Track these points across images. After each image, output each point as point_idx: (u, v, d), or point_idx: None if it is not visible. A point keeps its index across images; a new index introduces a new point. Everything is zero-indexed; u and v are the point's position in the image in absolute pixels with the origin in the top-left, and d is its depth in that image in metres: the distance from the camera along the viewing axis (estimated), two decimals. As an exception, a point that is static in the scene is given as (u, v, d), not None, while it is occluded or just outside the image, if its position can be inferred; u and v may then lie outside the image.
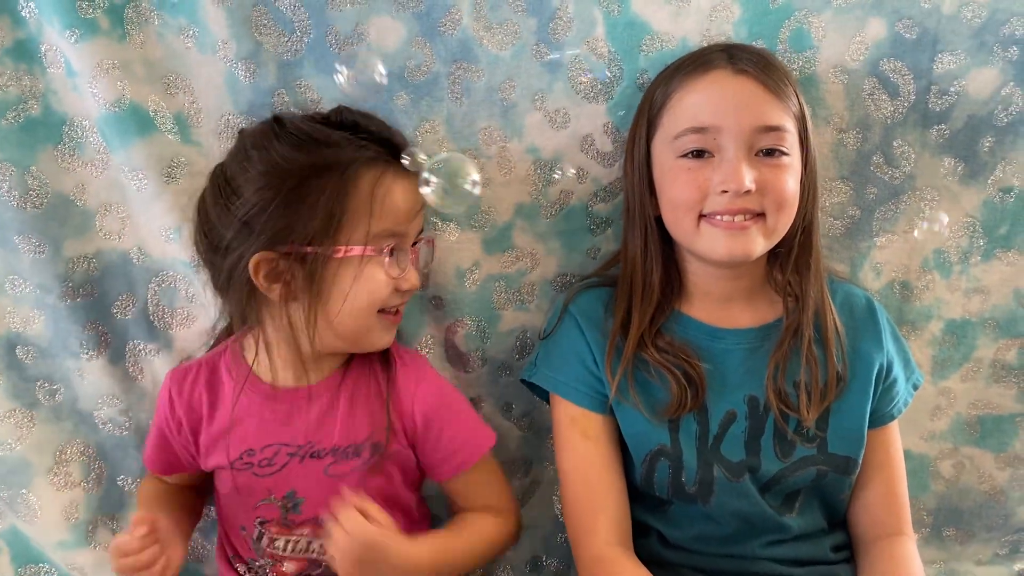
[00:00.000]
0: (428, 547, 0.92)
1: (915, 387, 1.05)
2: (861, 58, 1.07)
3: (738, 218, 0.89)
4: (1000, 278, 1.17)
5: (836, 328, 0.98)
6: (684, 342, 0.98)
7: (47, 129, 1.03)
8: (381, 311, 0.94)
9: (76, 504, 1.11)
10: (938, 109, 1.10)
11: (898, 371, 1.01)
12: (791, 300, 0.98)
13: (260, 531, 1.00)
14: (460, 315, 1.13)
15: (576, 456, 0.99)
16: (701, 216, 0.91)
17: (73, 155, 1.05)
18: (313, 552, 1.01)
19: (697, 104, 0.91)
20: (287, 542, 1.00)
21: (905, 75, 1.08)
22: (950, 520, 1.28)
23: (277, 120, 0.92)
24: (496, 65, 1.05)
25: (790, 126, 0.91)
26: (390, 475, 1.00)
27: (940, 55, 1.08)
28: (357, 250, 0.89)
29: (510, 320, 1.14)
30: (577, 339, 1.00)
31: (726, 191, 0.88)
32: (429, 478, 1.06)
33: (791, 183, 0.90)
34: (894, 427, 1.02)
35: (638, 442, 0.98)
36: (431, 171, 0.90)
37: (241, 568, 1.04)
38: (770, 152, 0.90)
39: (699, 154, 0.91)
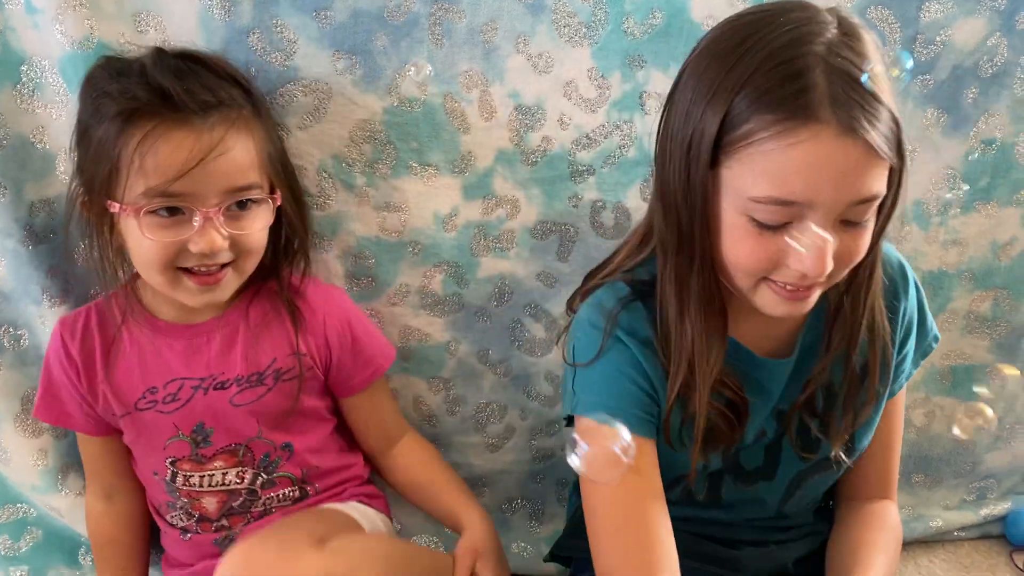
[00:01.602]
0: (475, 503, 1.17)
1: (924, 355, 1.03)
2: (848, 6, 1.13)
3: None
4: (978, 230, 1.26)
5: (885, 351, 0.94)
6: (729, 368, 0.91)
7: (5, 68, 1.06)
8: (185, 270, 0.97)
9: (45, 451, 1.18)
10: (923, 59, 1.16)
11: (910, 346, 1.00)
12: (842, 324, 0.92)
13: (173, 471, 1.08)
14: (438, 260, 1.20)
15: (620, 505, 0.89)
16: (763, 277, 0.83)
17: (32, 96, 1.07)
18: (229, 484, 1.09)
19: (790, 172, 0.75)
20: (201, 477, 1.09)
21: (892, 24, 1.14)
22: (919, 467, 1.40)
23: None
24: (478, 6, 1.09)
25: (884, 184, 0.79)
26: (295, 396, 1.09)
27: (927, 4, 1.14)
28: (115, 206, 0.95)
29: (488, 267, 1.21)
30: (628, 360, 0.91)
31: (801, 271, 0.79)
32: (339, 396, 1.17)
33: (866, 244, 0.82)
34: (900, 398, 1.03)
35: (663, 468, 0.93)
36: (580, 437, 0.84)
37: (169, 517, 1.12)
38: (855, 221, 0.80)
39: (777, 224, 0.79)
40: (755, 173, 0.76)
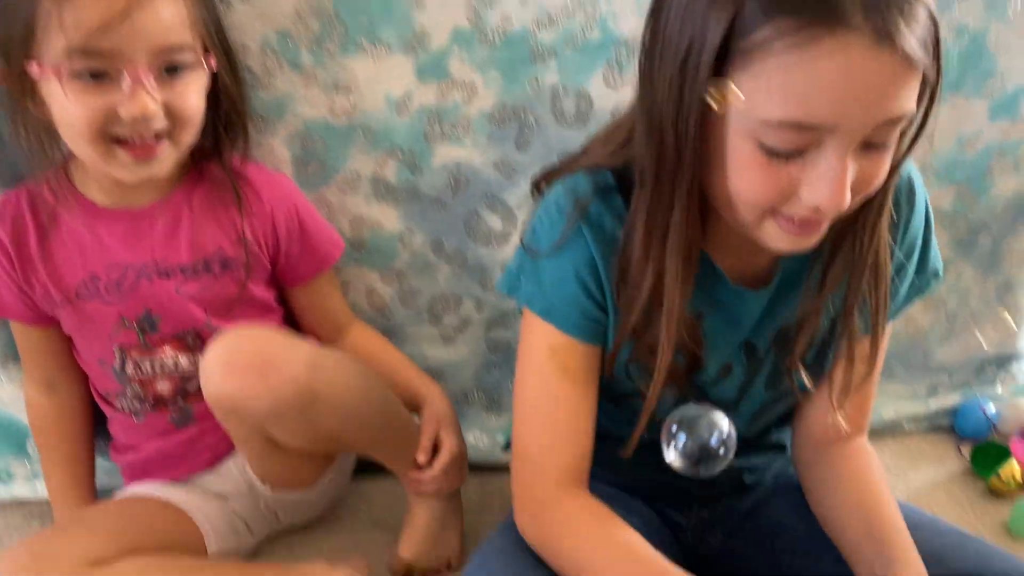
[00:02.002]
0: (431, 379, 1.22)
1: (920, 291, 0.92)
2: None
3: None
4: (945, 124, 1.24)
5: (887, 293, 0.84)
6: (691, 307, 0.83)
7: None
8: (119, 142, 0.93)
9: (-18, 341, 1.16)
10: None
11: (904, 279, 0.90)
12: (843, 262, 0.82)
13: (121, 358, 1.07)
14: (390, 146, 1.16)
15: (546, 394, 0.87)
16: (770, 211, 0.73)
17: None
18: (182, 369, 1.09)
19: (813, 90, 0.64)
20: (152, 363, 1.08)
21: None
22: (872, 360, 1.42)
23: None
24: None
25: (915, 99, 0.68)
26: (241, 283, 1.08)
27: None
28: (35, 69, 0.90)
29: (443, 155, 1.18)
30: (584, 260, 0.83)
31: (815, 205, 0.69)
32: (286, 286, 1.16)
33: (887, 169, 0.72)
34: (886, 332, 0.90)
35: (615, 382, 0.90)
36: (679, 425, 0.80)
37: (118, 403, 1.12)
38: (879, 144, 0.69)
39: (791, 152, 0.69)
40: (770, 91, 0.65)
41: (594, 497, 0.86)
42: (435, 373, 1.35)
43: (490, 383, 1.39)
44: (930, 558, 0.82)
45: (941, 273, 0.92)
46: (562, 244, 0.83)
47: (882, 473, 0.93)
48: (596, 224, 0.82)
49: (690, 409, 0.80)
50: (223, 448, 1.14)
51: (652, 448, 0.85)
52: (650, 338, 0.82)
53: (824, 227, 0.73)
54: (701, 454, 0.79)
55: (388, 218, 1.22)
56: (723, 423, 0.78)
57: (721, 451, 0.78)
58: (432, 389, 1.20)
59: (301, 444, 1.04)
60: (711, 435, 0.78)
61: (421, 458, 1.11)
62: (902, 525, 0.86)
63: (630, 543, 0.82)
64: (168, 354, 1.07)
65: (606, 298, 0.84)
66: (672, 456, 0.79)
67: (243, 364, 0.93)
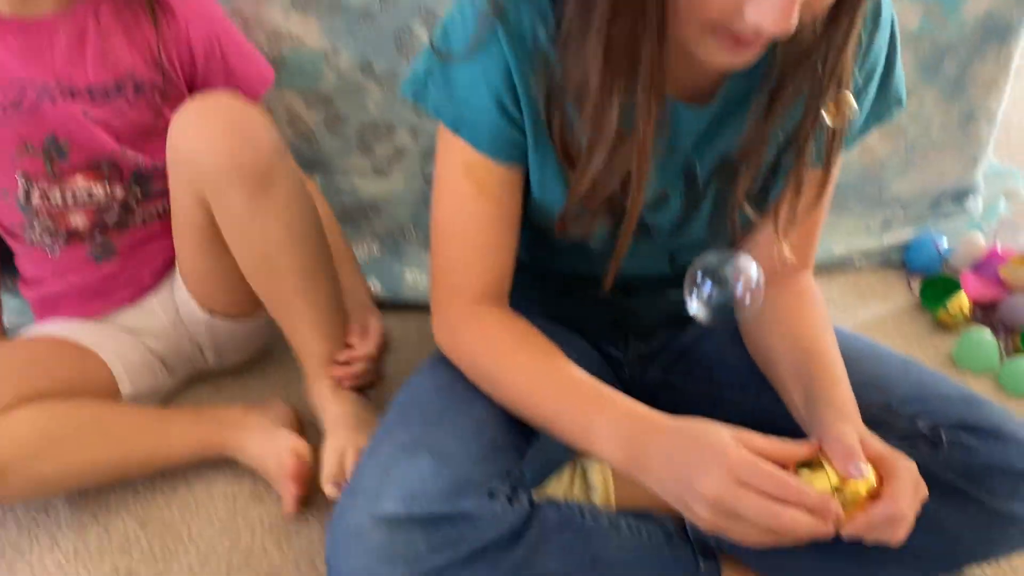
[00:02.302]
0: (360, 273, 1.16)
1: (879, 119, 0.86)
2: None
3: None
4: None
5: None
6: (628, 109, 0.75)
7: None
8: None
9: None
10: None
11: (864, 105, 0.83)
12: (797, 87, 0.76)
13: (26, 187, 1.01)
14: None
15: (461, 212, 0.82)
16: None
17: None
18: (97, 198, 1.03)
19: None
20: (62, 193, 1.02)
21: None
22: (825, 194, 1.39)
23: None
24: None
25: None
26: (156, 110, 1.02)
27: None
28: None
29: (368, -42, 1.10)
30: (499, 72, 0.75)
31: (757, 26, 0.64)
32: None
33: None
34: (838, 160, 0.84)
35: (544, 206, 0.84)
36: (704, 272, 0.74)
37: (27, 237, 1.05)
38: None
39: None
40: None
41: (514, 313, 0.84)
42: (368, 208, 1.30)
43: (428, 219, 1.33)
44: (871, 385, 0.82)
45: (904, 100, 0.85)
46: (474, 48, 0.74)
47: (823, 309, 0.89)
48: (516, 31, 0.73)
49: (715, 255, 0.75)
50: (147, 283, 1.10)
51: (589, 283, 0.83)
52: (607, 180, 0.75)
53: (762, 46, 0.67)
54: (727, 303, 0.74)
55: (309, 33, 1.14)
56: (751, 268, 0.73)
57: (748, 299, 0.73)
58: (359, 280, 1.15)
59: (238, 237, 0.98)
60: (737, 282, 0.73)
61: (353, 339, 1.07)
62: (836, 361, 0.82)
63: (546, 352, 0.81)
64: (80, 184, 1.01)
65: (523, 115, 0.76)
66: (695, 306, 0.74)
67: (216, 116, 0.91)
